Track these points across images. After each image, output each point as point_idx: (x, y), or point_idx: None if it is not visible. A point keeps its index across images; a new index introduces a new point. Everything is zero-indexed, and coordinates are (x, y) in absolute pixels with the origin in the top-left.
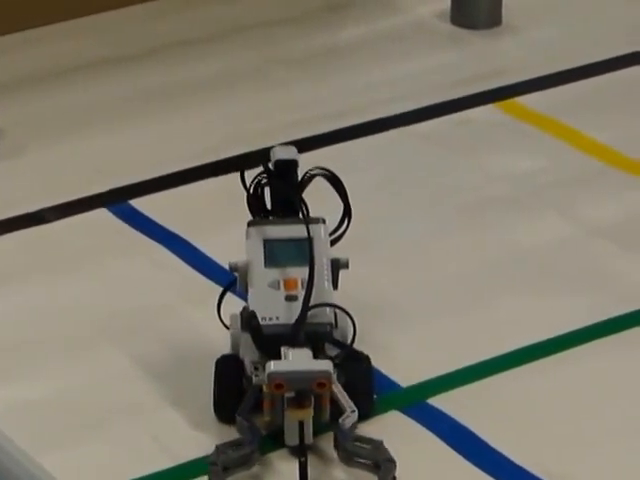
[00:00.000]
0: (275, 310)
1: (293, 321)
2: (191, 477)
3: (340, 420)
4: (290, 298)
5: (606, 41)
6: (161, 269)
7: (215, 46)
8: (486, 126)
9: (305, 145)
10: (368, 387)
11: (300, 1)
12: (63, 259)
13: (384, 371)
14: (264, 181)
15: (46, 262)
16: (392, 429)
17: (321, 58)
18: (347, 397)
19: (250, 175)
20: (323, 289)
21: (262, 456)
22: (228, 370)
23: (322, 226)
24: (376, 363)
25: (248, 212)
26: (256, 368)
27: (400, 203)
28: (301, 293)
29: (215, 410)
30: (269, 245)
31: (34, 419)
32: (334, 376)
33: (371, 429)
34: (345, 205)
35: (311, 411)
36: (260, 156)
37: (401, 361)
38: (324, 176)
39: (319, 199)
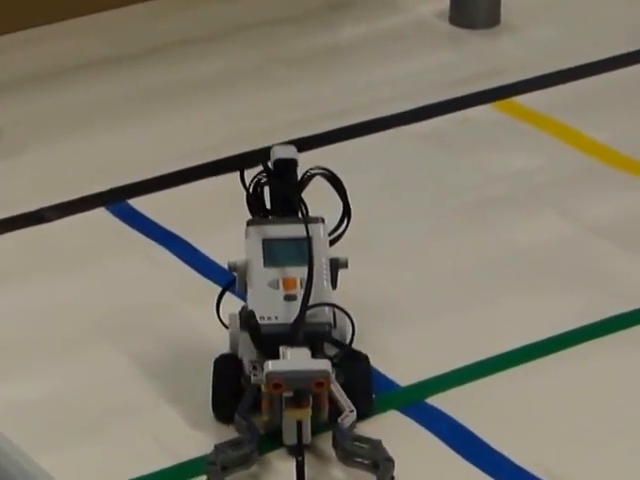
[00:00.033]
0: (274, 310)
1: (292, 321)
2: (190, 476)
3: (339, 420)
4: (289, 297)
5: (605, 40)
6: (160, 268)
7: (216, 45)
8: (485, 125)
9: (305, 144)
10: (367, 387)
11: (301, 0)
12: (62, 258)
13: (383, 371)
14: (263, 180)
15: (45, 261)
16: (391, 428)
17: (322, 57)
18: (346, 397)
19: (250, 174)
20: (322, 289)
21: (260, 455)
22: (227, 369)
23: (321, 226)
24: (375, 363)
25: (247, 211)
26: (255, 367)
27: (399, 203)
28: (300, 293)
29: (214, 409)
30: (268, 244)
31: (32, 419)
32: (333, 376)
33: (370, 428)
34: (344, 204)
35: (309, 411)
36: (260, 155)
37: (400, 361)
38: (324, 175)
39: (318, 198)
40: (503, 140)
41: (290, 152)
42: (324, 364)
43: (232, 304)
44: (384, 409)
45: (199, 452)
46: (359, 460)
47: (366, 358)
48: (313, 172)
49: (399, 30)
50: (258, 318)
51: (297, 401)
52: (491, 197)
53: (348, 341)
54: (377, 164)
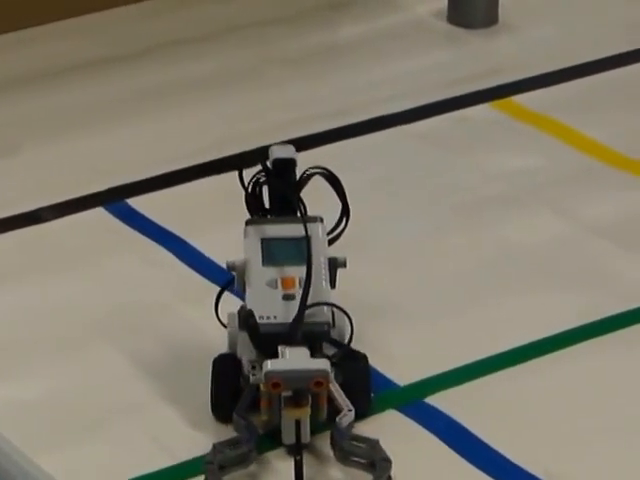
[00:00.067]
0: (272, 309)
1: (290, 320)
2: (189, 476)
3: (337, 419)
4: (288, 297)
5: (604, 39)
6: (158, 268)
7: (210, 45)
8: (483, 125)
9: (303, 144)
10: (365, 386)
11: (294, 0)
12: (60, 258)
13: (381, 370)
14: (262, 180)
15: (43, 261)
16: (389, 428)
17: (317, 57)
18: (344, 396)
19: (248, 174)
20: (321, 288)
21: (259, 455)
22: (225, 369)
23: (320, 225)
24: (373, 362)
25: (246, 211)
26: (253, 367)
27: (397, 202)
28: (299, 292)
29: (212, 409)
30: (267, 244)
31: (32, 419)
32: (331, 375)
33: (368, 428)
34: (343, 204)
35: (308, 410)
36: (259, 155)
37: (398, 360)
38: (322, 175)
39: (317, 198)
40: (501, 139)
41: (289, 152)
42: (323, 363)
43: (231, 303)
44: (383, 408)
45: (198, 451)
46: (356, 460)
47: (365, 357)
48: (312, 171)
49: (397, 29)
50: (257, 317)
51: (296, 400)
52: (489, 196)
53: (347, 340)
54: (375, 163)
